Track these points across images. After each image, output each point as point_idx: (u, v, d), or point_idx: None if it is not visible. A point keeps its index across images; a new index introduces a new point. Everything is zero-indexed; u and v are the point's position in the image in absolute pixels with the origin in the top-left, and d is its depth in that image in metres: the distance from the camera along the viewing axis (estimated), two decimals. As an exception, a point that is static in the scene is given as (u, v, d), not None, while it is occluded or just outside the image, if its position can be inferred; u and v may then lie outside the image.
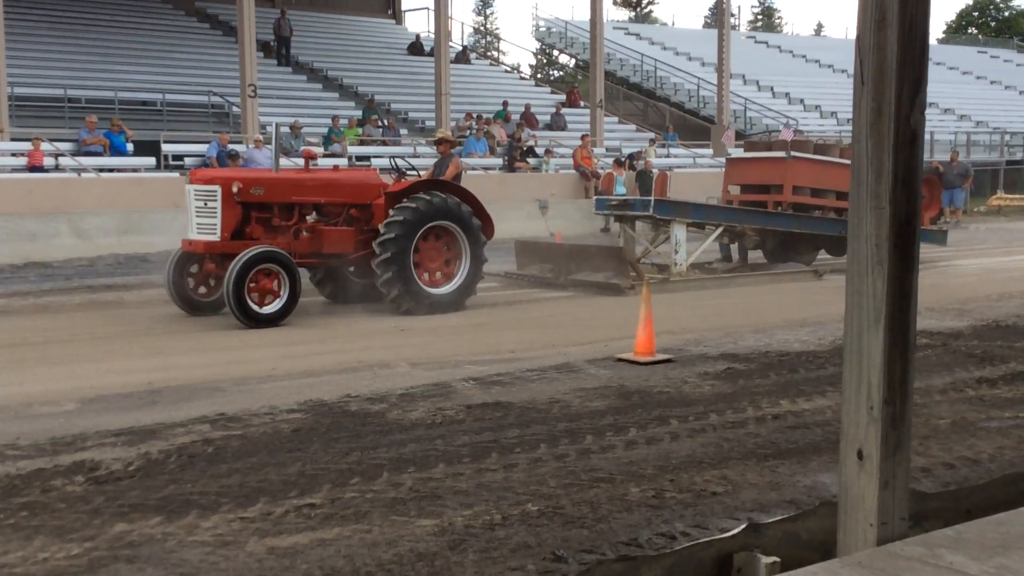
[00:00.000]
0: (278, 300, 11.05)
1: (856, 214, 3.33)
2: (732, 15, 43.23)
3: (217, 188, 11.33)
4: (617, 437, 6.50)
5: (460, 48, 37.66)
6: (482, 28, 71.97)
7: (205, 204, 11.40)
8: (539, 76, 55.06)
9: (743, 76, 40.25)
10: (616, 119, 34.34)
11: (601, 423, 6.85)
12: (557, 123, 31.17)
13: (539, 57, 65.13)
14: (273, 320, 11.00)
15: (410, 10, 42.04)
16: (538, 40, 49.93)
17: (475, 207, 12.40)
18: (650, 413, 7.12)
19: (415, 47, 35.20)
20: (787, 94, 41.04)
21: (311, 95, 28.84)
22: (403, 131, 27.75)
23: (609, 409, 7.26)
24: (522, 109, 30.15)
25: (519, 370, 8.62)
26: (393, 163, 13.34)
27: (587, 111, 31.84)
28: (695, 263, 15.56)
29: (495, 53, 56.53)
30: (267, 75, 26.85)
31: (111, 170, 20.36)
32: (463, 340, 10.38)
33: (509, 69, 41.66)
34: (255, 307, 10.89)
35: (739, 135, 34.21)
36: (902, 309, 3.33)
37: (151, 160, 20.98)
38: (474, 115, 28.71)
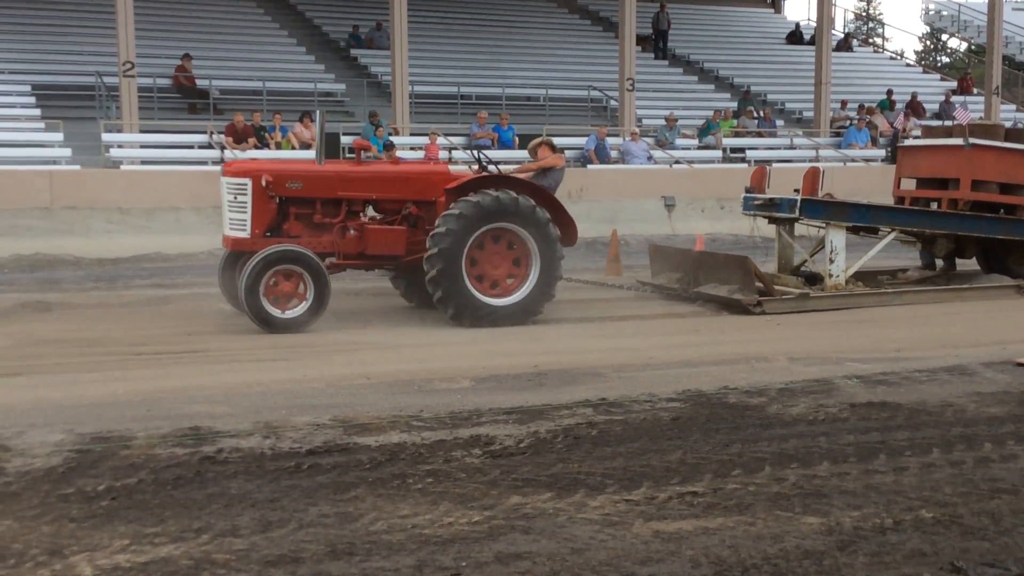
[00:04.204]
0: (303, 303, 10.18)
1: None
2: None
3: (247, 181, 10.54)
4: (1020, 447, 6.06)
5: (842, 35, 36.33)
6: (864, 14, 68.90)
7: (235, 198, 10.65)
8: (925, 62, 51.93)
9: None
10: (1014, 107, 31.77)
11: (1001, 431, 6.40)
12: (947, 112, 29.29)
13: (926, 42, 61.43)
14: (296, 326, 10.10)
15: (789, -2, 41.09)
16: (927, 24, 47.18)
17: (553, 208, 10.92)
18: (1058, 424, 6.56)
19: (794, 36, 34.37)
20: None
21: (686, 87, 28.96)
22: (779, 122, 27.20)
23: (1009, 416, 6.76)
24: (907, 98, 28.64)
25: (906, 370, 8.22)
26: (473, 155, 11.73)
27: (980, 98, 29.72)
28: (860, 272, 12.74)
29: (878, 39, 53.99)
30: (644, 68, 27.21)
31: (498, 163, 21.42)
32: (844, 336, 10.04)
33: (894, 55, 39.66)
34: (273, 311, 10.09)
35: None
36: None
37: (534, 153, 21.91)
38: (849, 103, 27.62)
